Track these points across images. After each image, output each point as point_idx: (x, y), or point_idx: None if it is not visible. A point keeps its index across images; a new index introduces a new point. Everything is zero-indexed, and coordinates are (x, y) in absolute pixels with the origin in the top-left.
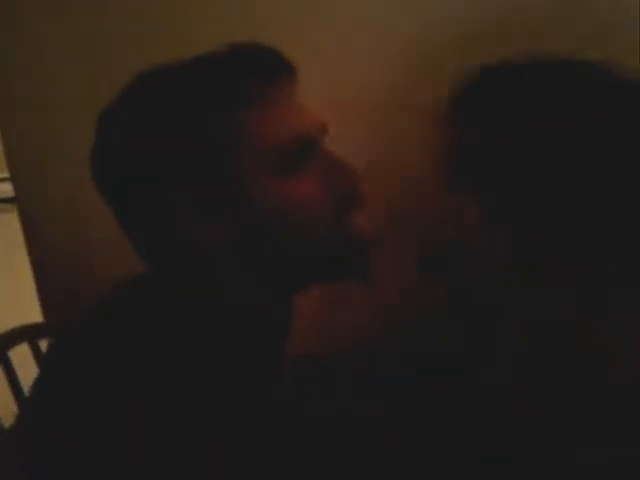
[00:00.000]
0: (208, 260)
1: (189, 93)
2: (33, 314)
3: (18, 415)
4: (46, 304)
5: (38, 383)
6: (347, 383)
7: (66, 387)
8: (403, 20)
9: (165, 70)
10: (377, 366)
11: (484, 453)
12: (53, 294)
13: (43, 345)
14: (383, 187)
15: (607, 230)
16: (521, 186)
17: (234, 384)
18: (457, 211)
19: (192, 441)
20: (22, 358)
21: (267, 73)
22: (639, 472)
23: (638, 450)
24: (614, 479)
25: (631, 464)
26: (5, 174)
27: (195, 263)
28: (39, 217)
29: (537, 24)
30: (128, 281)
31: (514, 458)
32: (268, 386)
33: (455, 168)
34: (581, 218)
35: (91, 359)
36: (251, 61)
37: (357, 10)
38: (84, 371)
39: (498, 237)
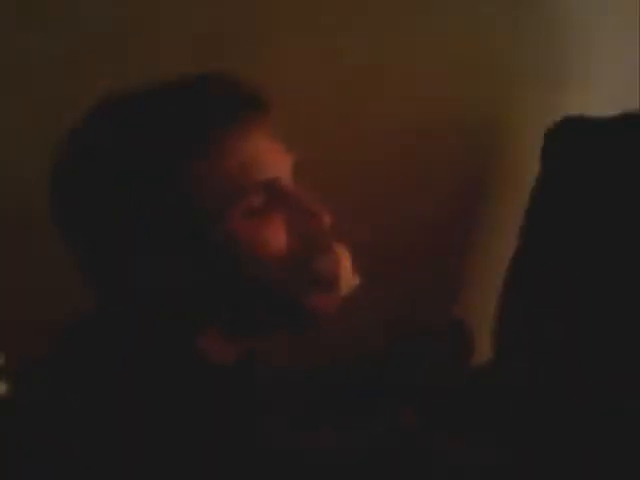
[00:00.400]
0: (175, 287)
1: (150, 125)
2: None
3: None
4: None
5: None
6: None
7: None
8: None
9: (128, 97)
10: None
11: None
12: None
13: None
14: None
15: None
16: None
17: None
18: None
19: (185, 450)
20: None
21: (234, 110)
22: None
23: None
24: None
25: None
26: None
27: (163, 289)
28: None
29: None
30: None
31: None
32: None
33: None
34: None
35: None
36: (219, 96)
37: None
38: (75, 381)
39: None
